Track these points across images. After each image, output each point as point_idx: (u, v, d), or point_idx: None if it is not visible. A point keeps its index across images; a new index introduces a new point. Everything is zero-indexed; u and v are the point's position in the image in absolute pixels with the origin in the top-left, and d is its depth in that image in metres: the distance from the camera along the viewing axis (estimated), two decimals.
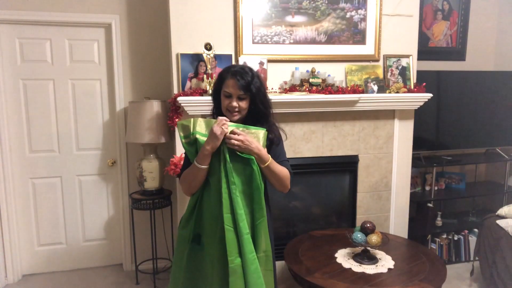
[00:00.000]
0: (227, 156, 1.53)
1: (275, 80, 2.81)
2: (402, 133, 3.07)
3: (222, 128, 1.50)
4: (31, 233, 3.23)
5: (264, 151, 1.57)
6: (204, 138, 1.56)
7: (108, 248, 3.41)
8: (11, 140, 3.08)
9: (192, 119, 1.59)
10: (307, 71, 2.81)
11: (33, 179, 3.18)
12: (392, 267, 2.24)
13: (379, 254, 2.39)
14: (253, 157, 1.54)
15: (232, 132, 1.52)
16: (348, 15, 2.88)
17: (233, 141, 1.50)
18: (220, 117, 1.56)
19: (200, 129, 1.58)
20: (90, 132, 3.24)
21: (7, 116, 3.05)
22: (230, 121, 1.63)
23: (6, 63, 3.01)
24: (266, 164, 1.57)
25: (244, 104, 1.61)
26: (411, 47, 3.03)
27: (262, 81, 1.67)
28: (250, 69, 1.64)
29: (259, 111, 1.64)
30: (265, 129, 1.61)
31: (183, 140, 1.61)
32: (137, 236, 3.18)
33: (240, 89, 1.58)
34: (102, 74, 3.21)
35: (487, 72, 3.69)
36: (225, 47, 2.71)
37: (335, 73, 2.90)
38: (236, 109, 1.61)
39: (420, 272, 2.19)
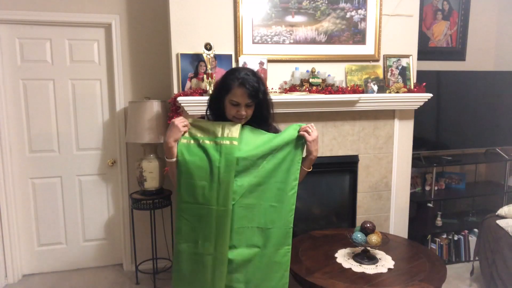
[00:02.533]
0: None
1: (275, 80, 2.81)
2: (402, 133, 3.07)
3: (184, 126, 1.57)
4: (31, 233, 3.23)
5: None
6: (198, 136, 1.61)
7: (108, 248, 3.41)
8: (11, 140, 3.08)
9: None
10: (307, 71, 2.81)
11: (33, 179, 3.18)
12: (392, 267, 2.24)
13: (379, 254, 2.39)
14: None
15: (305, 129, 1.62)
16: (348, 15, 2.88)
17: (312, 133, 1.61)
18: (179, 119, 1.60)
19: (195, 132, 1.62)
20: (90, 132, 3.24)
21: (7, 116, 3.05)
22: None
23: (6, 63, 3.01)
24: (310, 169, 1.67)
25: (251, 111, 1.62)
26: (411, 47, 3.03)
27: (265, 83, 1.67)
28: (254, 74, 1.60)
29: (262, 115, 1.66)
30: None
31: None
32: (137, 236, 3.18)
33: (249, 98, 1.56)
34: (102, 74, 3.21)
35: (487, 72, 3.69)
36: (225, 47, 2.71)
37: (335, 73, 2.90)
38: (244, 116, 1.61)
39: (420, 272, 2.19)
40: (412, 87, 2.98)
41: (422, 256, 2.40)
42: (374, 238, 2.24)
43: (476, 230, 3.43)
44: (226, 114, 1.63)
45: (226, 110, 1.62)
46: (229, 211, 1.53)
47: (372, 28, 2.92)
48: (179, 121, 1.56)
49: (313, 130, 1.62)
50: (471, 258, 3.41)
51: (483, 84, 3.54)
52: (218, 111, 1.67)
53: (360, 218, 3.05)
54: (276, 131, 1.73)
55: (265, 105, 1.64)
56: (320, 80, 2.79)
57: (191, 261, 1.59)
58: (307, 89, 2.76)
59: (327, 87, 2.79)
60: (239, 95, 1.55)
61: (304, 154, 1.67)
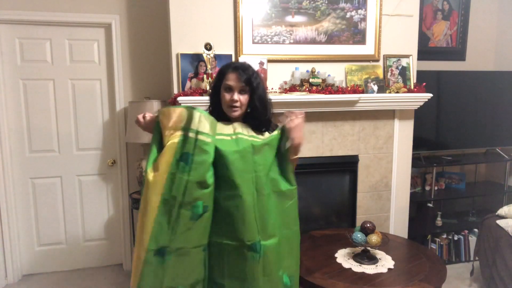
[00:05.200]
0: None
1: (275, 80, 2.81)
2: (402, 133, 3.07)
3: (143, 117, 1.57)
4: (31, 233, 3.23)
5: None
6: (208, 139, 1.51)
7: (108, 248, 3.41)
8: (11, 140, 3.08)
9: (191, 109, 1.53)
10: (307, 71, 2.81)
11: (33, 179, 3.18)
12: (392, 267, 2.24)
13: (379, 254, 2.39)
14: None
15: (290, 113, 1.59)
16: (348, 15, 2.88)
17: (295, 120, 1.57)
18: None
19: (203, 128, 1.52)
20: (90, 132, 3.24)
21: (7, 116, 3.05)
22: (231, 117, 1.64)
23: (6, 63, 3.01)
24: (296, 157, 1.65)
25: (244, 99, 1.63)
26: (411, 47, 3.03)
27: (262, 79, 1.69)
28: (250, 66, 1.67)
29: (260, 106, 1.65)
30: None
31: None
32: None
33: (241, 81, 1.60)
34: (102, 74, 3.21)
35: (487, 72, 3.69)
36: (225, 47, 2.71)
37: (335, 73, 2.90)
38: (237, 104, 1.62)
39: (420, 272, 2.19)
40: (412, 87, 2.98)
41: (422, 256, 2.40)
42: (374, 238, 2.25)
43: (476, 230, 3.43)
44: (222, 105, 1.66)
45: (222, 101, 1.65)
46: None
47: (372, 28, 2.92)
48: (140, 118, 1.59)
49: (297, 117, 1.58)
50: (471, 258, 3.41)
51: (483, 84, 3.54)
52: (216, 105, 1.69)
53: (360, 218, 3.05)
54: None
55: (258, 94, 1.64)
56: (320, 80, 2.79)
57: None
58: (307, 89, 2.76)
59: (327, 87, 2.79)
60: (232, 79, 1.61)
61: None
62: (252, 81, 1.61)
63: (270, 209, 1.59)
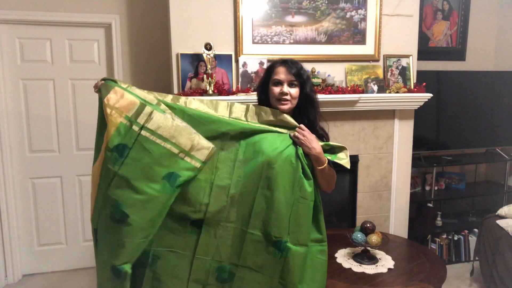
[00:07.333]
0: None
1: None
2: (402, 133, 3.07)
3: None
4: (31, 233, 3.22)
5: (323, 154, 1.59)
6: (156, 139, 1.43)
7: None
8: (11, 140, 3.08)
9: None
10: (307, 71, 2.80)
11: (33, 179, 3.18)
12: (392, 267, 2.24)
13: (379, 254, 2.39)
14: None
15: (301, 128, 1.56)
16: (348, 15, 2.88)
17: (297, 133, 1.53)
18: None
19: (152, 124, 1.41)
20: (90, 132, 3.23)
21: (7, 116, 3.04)
22: (281, 110, 1.61)
23: (6, 63, 3.01)
24: (323, 166, 1.59)
25: (294, 92, 1.61)
26: (411, 47, 3.03)
27: (308, 75, 1.70)
28: (298, 61, 1.68)
29: (308, 102, 1.64)
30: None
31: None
32: None
33: (291, 74, 1.59)
34: (102, 74, 3.21)
35: (487, 72, 3.70)
36: (225, 47, 2.71)
37: (335, 73, 2.90)
38: (287, 97, 1.60)
39: (420, 272, 2.19)
40: (412, 87, 2.98)
41: (422, 256, 2.40)
42: (374, 238, 2.25)
43: (476, 230, 3.43)
44: (271, 100, 1.64)
45: (270, 97, 1.63)
46: None
47: (372, 28, 2.92)
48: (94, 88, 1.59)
49: (300, 132, 1.55)
50: (471, 258, 3.41)
51: (483, 84, 3.54)
52: (264, 103, 1.67)
53: (360, 218, 3.05)
54: (322, 134, 1.71)
55: (309, 87, 1.63)
56: (320, 80, 2.79)
57: None
58: None
59: (327, 87, 2.79)
60: (281, 72, 1.61)
61: None
62: (302, 74, 1.62)
63: (308, 218, 1.57)
